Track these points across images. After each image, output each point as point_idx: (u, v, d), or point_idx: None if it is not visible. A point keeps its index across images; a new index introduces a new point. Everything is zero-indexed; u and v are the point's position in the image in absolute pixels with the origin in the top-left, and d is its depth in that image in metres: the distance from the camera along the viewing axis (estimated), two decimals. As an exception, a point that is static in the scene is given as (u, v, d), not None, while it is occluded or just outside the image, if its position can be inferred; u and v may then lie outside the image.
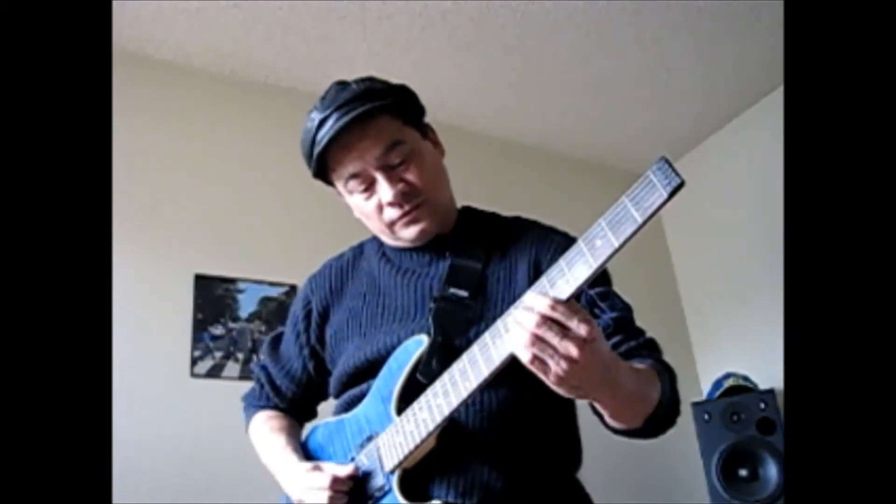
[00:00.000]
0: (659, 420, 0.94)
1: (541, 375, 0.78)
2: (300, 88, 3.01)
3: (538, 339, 0.76)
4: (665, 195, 0.67)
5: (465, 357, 0.89)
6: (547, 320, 0.76)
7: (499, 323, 0.85)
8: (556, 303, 0.76)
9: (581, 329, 0.76)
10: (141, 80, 2.70)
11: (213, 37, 2.74)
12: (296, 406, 1.28)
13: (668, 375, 0.98)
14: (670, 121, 3.44)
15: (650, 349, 1.01)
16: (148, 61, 2.77)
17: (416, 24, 2.74)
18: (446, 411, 0.91)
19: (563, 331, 0.76)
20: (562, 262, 0.78)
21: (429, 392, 0.95)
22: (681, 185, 0.66)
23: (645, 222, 0.69)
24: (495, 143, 3.46)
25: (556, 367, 0.76)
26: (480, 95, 3.19)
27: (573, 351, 0.75)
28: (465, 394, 0.89)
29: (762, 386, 2.86)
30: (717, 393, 2.92)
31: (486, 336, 0.87)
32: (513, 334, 0.79)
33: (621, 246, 0.71)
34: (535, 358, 0.77)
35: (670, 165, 0.67)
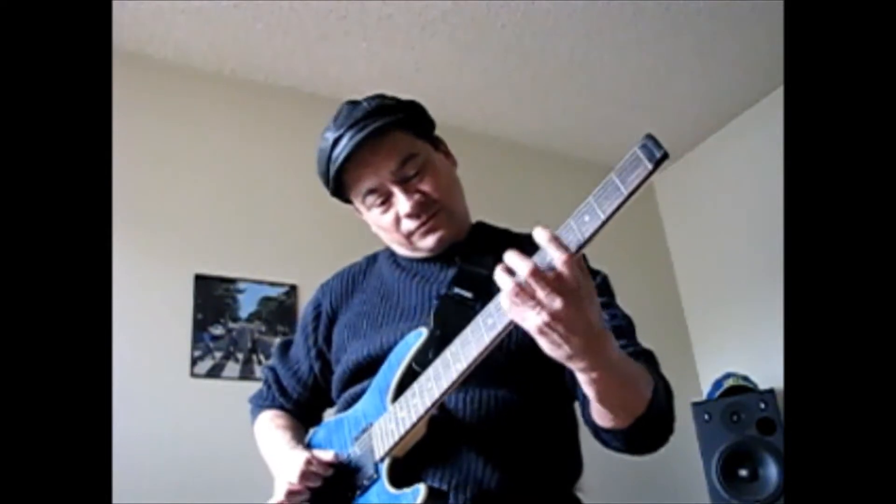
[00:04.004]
0: (649, 425, 0.91)
1: (524, 326, 0.77)
2: (300, 88, 3.02)
3: (522, 289, 0.74)
4: (650, 167, 0.69)
5: (457, 341, 0.90)
6: (538, 272, 0.74)
7: (491, 305, 0.84)
8: (567, 256, 0.74)
9: (571, 282, 0.74)
10: (141, 80, 2.70)
11: (213, 37, 2.74)
12: (301, 408, 1.29)
13: (662, 385, 0.95)
14: (670, 121, 3.44)
15: (647, 359, 0.99)
16: (148, 61, 2.77)
17: (416, 24, 2.74)
18: (437, 394, 0.92)
19: (552, 283, 0.74)
20: None
21: (421, 378, 0.96)
22: (664, 157, 0.69)
23: (631, 194, 0.71)
24: (495, 144, 3.46)
25: (538, 317, 0.74)
26: (481, 96, 3.19)
27: (556, 303, 0.73)
28: (455, 375, 0.89)
29: (762, 386, 2.86)
30: (717, 393, 2.92)
31: (479, 318, 0.87)
32: (502, 279, 0.76)
33: (608, 218, 0.73)
34: (516, 309, 0.75)
35: (655, 140, 0.70)
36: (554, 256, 0.74)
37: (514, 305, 0.76)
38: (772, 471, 2.64)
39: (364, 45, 2.82)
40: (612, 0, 2.70)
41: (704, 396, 3.05)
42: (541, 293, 0.74)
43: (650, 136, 0.71)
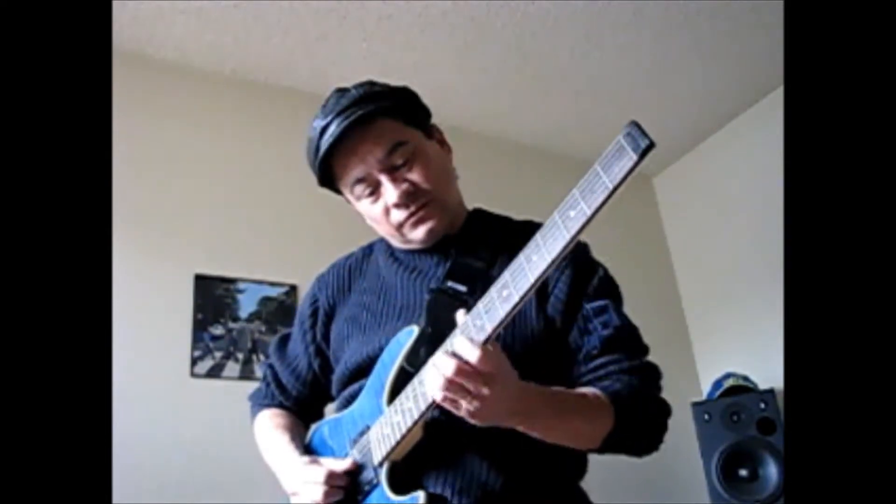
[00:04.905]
0: (618, 448, 0.97)
1: (454, 411, 0.86)
2: (300, 88, 3.02)
3: (453, 384, 0.83)
4: (635, 158, 0.67)
5: (447, 343, 0.88)
6: (465, 369, 0.82)
7: (479, 305, 0.84)
8: (475, 351, 0.83)
9: (497, 369, 0.84)
10: (141, 80, 2.70)
11: (213, 37, 2.74)
12: (301, 405, 1.28)
13: (641, 406, 0.98)
14: (670, 121, 3.44)
15: (633, 374, 1.00)
16: (148, 61, 2.78)
17: (416, 24, 2.74)
18: (430, 398, 0.90)
19: (476, 375, 0.82)
20: (538, 236, 0.77)
21: (414, 381, 0.94)
22: (650, 147, 0.66)
23: (616, 187, 0.69)
24: (495, 144, 3.46)
25: (469, 405, 0.84)
26: (480, 96, 3.19)
27: (484, 391, 0.82)
28: None
29: (762, 386, 2.86)
30: (717, 393, 2.92)
31: (468, 320, 0.86)
32: (430, 377, 0.86)
33: (594, 213, 0.71)
34: (448, 399, 0.84)
35: (640, 128, 0.67)
36: (469, 354, 0.83)
37: (447, 397, 0.84)
38: (772, 471, 2.64)
39: (364, 45, 2.82)
40: (612, 0, 2.70)
41: (704, 396, 3.05)
42: (470, 385, 0.82)
43: (634, 124, 0.68)
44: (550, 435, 0.94)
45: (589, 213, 0.71)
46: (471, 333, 0.85)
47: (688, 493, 2.96)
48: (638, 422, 0.97)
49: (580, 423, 0.95)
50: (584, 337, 1.03)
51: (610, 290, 1.10)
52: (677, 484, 3.00)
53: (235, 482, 2.24)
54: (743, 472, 2.70)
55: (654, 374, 1.03)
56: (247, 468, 2.16)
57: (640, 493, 2.84)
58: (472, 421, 0.86)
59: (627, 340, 1.04)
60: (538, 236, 0.77)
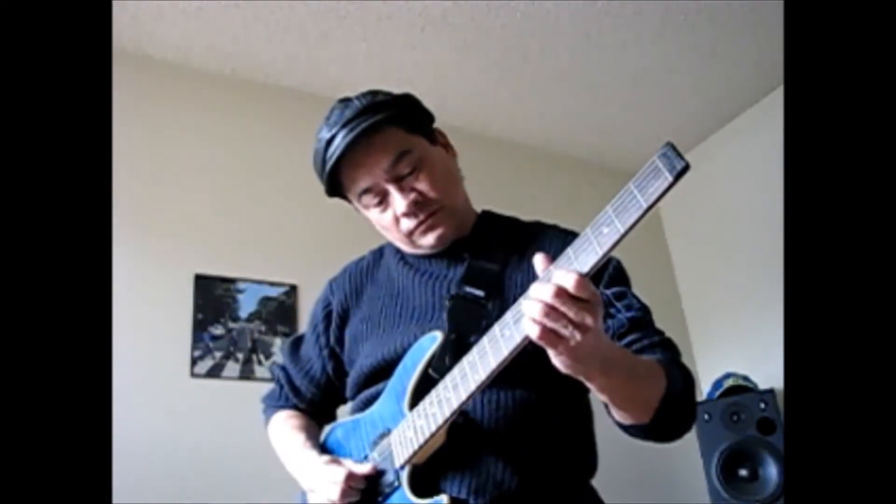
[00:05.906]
0: (669, 417, 0.93)
1: (549, 348, 0.78)
2: (300, 88, 3.02)
3: (553, 309, 0.75)
4: (670, 179, 0.67)
5: (474, 350, 0.89)
6: (563, 291, 0.75)
7: (507, 315, 0.84)
8: (579, 276, 0.76)
9: (594, 297, 0.76)
10: (141, 80, 2.70)
11: (213, 37, 2.74)
12: (315, 407, 1.30)
13: (680, 374, 0.97)
14: (670, 121, 3.44)
15: (664, 348, 1.01)
16: (148, 61, 2.78)
17: (416, 24, 2.74)
18: (455, 405, 0.91)
19: (577, 301, 0.75)
20: (569, 251, 0.78)
21: (439, 386, 0.95)
22: (685, 169, 0.66)
23: (650, 207, 0.69)
24: (495, 143, 3.46)
25: (571, 338, 0.76)
26: (480, 95, 3.19)
27: (587, 319, 0.75)
28: (473, 386, 0.89)
29: (762, 386, 2.86)
30: (717, 393, 2.92)
31: (496, 328, 0.86)
32: (528, 305, 0.77)
33: (627, 231, 0.71)
34: (547, 329, 0.76)
35: (675, 150, 0.68)
36: (567, 282, 0.75)
37: (547, 326, 0.76)
38: (772, 471, 2.64)
39: (364, 45, 2.82)
40: (612, 0, 2.70)
41: (704, 396, 3.05)
42: (571, 312, 0.75)
43: (670, 145, 0.68)
44: (617, 394, 0.90)
45: (622, 230, 0.71)
46: (498, 343, 0.85)
47: (688, 493, 2.96)
48: (682, 390, 0.96)
49: (643, 383, 0.92)
50: (607, 320, 1.03)
51: (625, 278, 1.12)
52: (677, 484, 3.00)
53: (235, 482, 2.24)
54: (743, 472, 2.70)
55: (676, 348, 1.04)
56: (247, 468, 2.16)
57: (641, 492, 2.84)
58: (567, 363, 0.80)
59: (651, 322, 1.06)
60: (570, 251, 0.78)
